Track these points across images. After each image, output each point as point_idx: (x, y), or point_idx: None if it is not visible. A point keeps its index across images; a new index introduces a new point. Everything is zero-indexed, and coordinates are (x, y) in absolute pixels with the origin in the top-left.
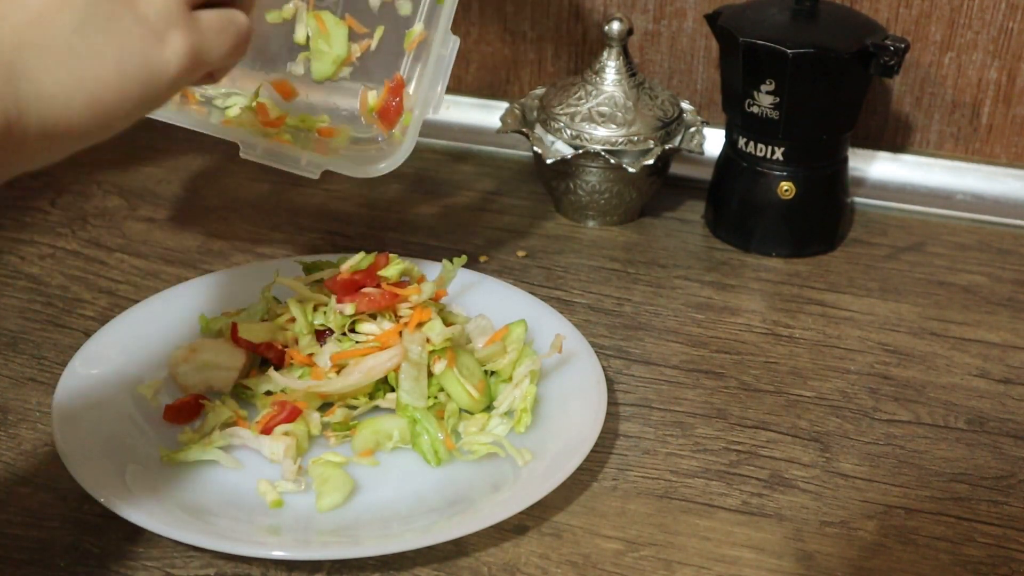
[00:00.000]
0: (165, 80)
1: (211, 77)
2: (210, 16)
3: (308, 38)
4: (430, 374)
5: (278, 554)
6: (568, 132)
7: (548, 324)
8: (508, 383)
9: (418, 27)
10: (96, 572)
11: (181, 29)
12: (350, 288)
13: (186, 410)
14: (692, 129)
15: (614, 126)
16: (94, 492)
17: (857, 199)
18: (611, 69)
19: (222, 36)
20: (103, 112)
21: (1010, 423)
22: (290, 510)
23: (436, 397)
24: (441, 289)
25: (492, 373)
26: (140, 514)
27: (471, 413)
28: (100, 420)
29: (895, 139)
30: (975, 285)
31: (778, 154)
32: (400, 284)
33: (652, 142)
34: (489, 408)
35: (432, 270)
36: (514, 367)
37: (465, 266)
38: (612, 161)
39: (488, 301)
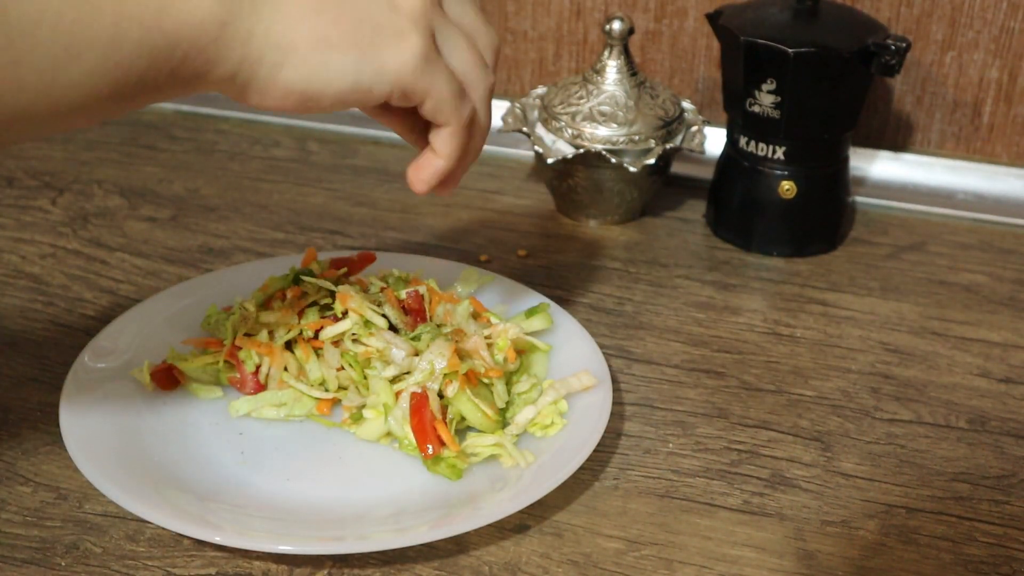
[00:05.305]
0: (384, 78)
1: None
2: (462, 51)
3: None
4: (442, 396)
5: (282, 548)
6: (569, 131)
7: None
8: (531, 404)
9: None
10: (97, 572)
11: (421, 34)
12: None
13: (167, 376)
14: (693, 128)
15: (615, 125)
16: (99, 485)
17: (858, 198)
18: (612, 68)
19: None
20: (311, 94)
21: (1011, 422)
22: (293, 506)
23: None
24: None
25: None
26: (143, 506)
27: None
28: (105, 416)
29: (896, 138)
30: (976, 284)
31: (779, 153)
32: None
33: (653, 141)
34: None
35: (441, 270)
36: (534, 389)
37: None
38: (613, 160)
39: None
